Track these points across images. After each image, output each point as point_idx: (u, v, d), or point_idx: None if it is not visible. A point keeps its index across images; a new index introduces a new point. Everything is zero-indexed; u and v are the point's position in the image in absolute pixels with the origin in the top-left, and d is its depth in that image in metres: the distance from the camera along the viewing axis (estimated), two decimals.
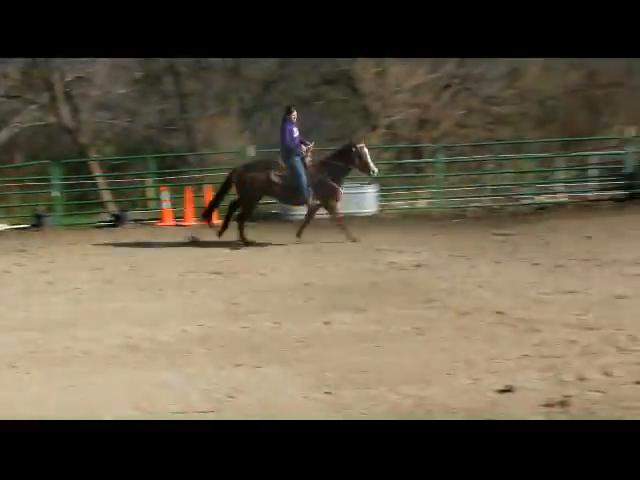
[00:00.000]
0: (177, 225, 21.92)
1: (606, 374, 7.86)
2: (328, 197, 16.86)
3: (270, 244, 17.48)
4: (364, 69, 30.40)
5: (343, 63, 30.32)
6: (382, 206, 22.55)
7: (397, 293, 12.07)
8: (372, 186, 22.40)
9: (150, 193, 25.61)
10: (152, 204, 25.09)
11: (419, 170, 27.72)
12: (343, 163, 16.71)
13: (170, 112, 31.61)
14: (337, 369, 8.32)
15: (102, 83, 30.40)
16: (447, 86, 31.66)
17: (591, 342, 8.97)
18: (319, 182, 16.71)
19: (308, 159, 16.90)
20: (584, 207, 22.93)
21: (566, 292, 11.66)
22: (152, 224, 22.44)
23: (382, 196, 22.87)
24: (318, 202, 17.04)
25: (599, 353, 8.56)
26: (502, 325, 9.95)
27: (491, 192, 25.28)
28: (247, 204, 17.41)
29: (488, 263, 14.39)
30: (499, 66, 32.59)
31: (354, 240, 16.60)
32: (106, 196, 27.24)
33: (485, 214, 22.48)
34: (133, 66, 31.14)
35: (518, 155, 27.72)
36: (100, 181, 28.44)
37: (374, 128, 29.75)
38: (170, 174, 25.63)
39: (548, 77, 33.37)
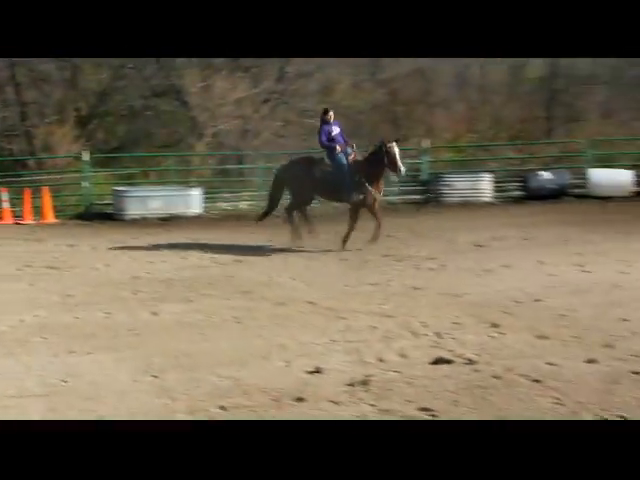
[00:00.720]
0: (16, 223, 21.28)
1: (402, 356, 8.05)
2: (365, 197, 15.41)
3: (106, 241, 17.16)
4: (191, 83, 30.14)
5: (172, 77, 30.06)
6: (207, 207, 22.41)
7: (219, 286, 12.05)
8: (197, 189, 22.30)
9: None
10: None
11: (241, 175, 27.66)
12: (376, 163, 15.29)
13: (11, 119, 30.62)
14: (163, 355, 8.26)
15: None
16: (266, 100, 31.70)
17: (390, 328, 9.16)
18: (358, 182, 15.34)
19: (351, 157, 15.54)
20: (386, 209, 23.31)
21: (369, 284, 11.87)
22: None
23: (207, 198, 22.73)
24: (360, 200, 15.47)
25: (396, 337, 8.75)
26: (313, 314, 10.06)
27: None
28: (296, 200, 16.11)
29: (301, 258, 14.51)
30: (313, 82, 32.86)
31: (375, 239, 15.28)
32: None
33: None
34: None
35: None
36: None
37: (200, 137, 29.50)
38: (10, 176, 24.78)
39: (356, 94, 33.84)
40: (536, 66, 34.83)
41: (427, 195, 24.07)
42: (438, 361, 7.77)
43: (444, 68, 35.01)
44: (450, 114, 34.29)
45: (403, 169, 15.16)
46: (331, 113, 15.54)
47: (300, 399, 6.78)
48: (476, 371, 7.48)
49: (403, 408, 6.53)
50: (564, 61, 31.94)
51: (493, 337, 8.73)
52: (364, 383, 7.14)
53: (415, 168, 25.45)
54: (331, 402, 6.71)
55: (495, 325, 9.17)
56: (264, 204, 17.41)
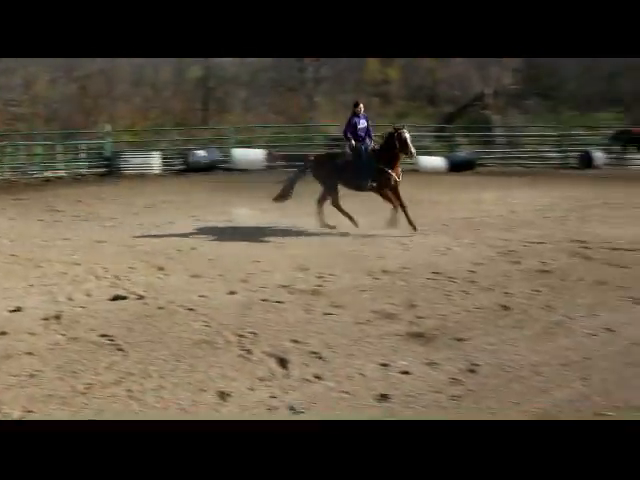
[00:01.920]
0: None
1: (87, 295, 7.91)
2: (382, 184, 12.42)
3: None
4: None
5: None
6: None
7: None
8: None
9: None
10: None
11: None
12: (390, 148, 12.41)
13: None
14: None
15: None
16: None
17: (78, 273, 8.94)
18: (376, 170, 12.38)
19: (370, 148, 12.55)
20: (77, 180, 22.74)
21: (61, 239, 11.49)
22: None
23: None
24: (375, 186, 12.52)
25: (83, 281, 8.56)
26: (15, 264, 9.60)
27: (10, 169, 24.26)
28: (326, 188, 12.79)
29: (6, 220, 13.78)
30: (16, 77, 31.16)
31: (414, 227, 12.03)
32: None
33: (6, 185, 21.50)
34: None
35: (30, 142, 26.71)
36: None
37: None
38: None
39: (53, 87, 32.60)
40: (195, 68, 35.19)
41: (109, 168, 23.80)
42: (116, 298, 7.71)
43: (124, 68, 34.43)
44: (129, 105, 33.86)
45: (414, 151, 12.50)
46: (361, 106, 12.73)
47: (3, 333, 6.50)
48: (145, 304, 7.50)
49: (87, 335, 6.44)
50: (216, 64, 32.55)
51: (159, 278, 8.76)
52: (56, 317, 6.97)
53: (100, 147, 25.12)
54: (29, 334, 6.49)
55: (161, 268, 9.22)
56: None
